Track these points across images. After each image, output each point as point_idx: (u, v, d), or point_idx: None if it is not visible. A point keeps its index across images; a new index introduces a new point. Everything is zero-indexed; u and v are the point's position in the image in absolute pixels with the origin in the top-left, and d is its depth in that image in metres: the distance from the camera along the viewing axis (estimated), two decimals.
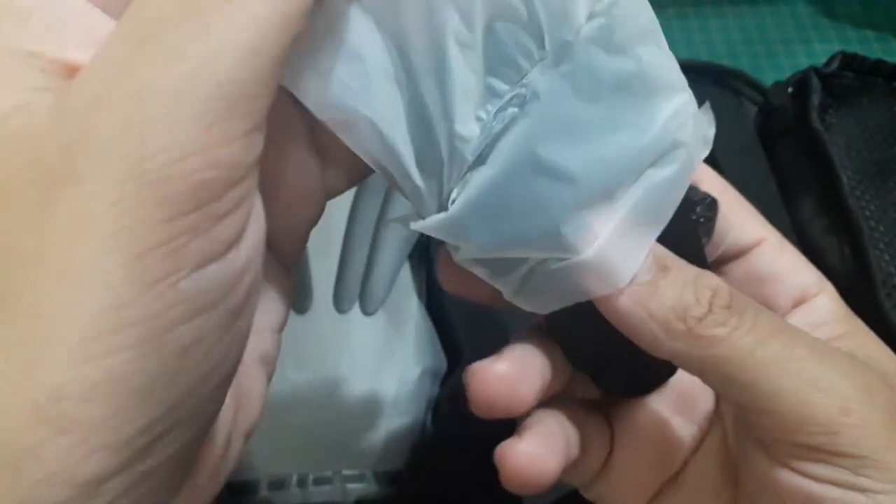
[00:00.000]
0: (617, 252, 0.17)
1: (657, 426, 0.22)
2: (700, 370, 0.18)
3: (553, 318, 0.19)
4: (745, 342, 0.17)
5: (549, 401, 0.21)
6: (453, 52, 0.15)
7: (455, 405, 0.33)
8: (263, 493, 0.31)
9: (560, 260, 0.17)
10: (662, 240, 0.18)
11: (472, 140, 0.16)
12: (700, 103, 0.19)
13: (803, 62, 0.51)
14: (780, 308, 0.21)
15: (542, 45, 0.16)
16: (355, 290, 0.34)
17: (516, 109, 0.16)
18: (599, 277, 0.17)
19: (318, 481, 0.32)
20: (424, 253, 0.37)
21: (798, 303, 0.21)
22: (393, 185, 0.17)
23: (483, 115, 0.16)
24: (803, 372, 0.17)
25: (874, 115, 0.42)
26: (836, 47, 0.48)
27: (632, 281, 0.17)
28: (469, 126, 0.16)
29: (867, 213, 0.38)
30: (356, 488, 0.32)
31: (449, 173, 0.16)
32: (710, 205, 0.20)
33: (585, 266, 0.17)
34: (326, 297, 0.34)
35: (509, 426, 0.33)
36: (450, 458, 0.32)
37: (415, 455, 0.32)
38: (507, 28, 0.15)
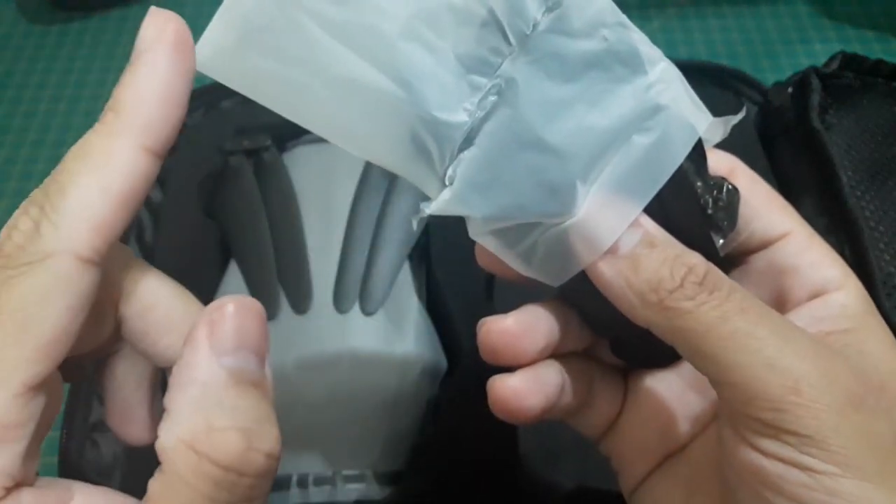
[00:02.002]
0: (600, 216, 0.19)
1: (667, 397, 0.23)
2: (672, 340, 0.19)
3: (565, 289, 0.21)
4: (711, 317, 0.18)
5: (565, 355, 0.23)
6: (419, 56, 0.18)
7: (455, 405, 0.33)
8: None
9: (554, 226, 0.19)
10: (668, 221, 0.20)
11: (459, 126, 0.18)
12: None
13: (803, 62, 0.51)
14: (795, 300, 0.21)
15: (508, 41, 0.18)
16: (355, 290, 0.34)
17: (495, 98, 0.18)
18: (585, 242, 0.19)
19: (319, 481, 0.32)
20: (424, 253, 0.37)
21: (814, 296, 0.21)
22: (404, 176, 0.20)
23: (469, 106, 0.18)
24: (761, 350, 0.18)
25: (874, 115, 0.42)
26: (836, 47, 0.48)
27: (617, 250, 0.19)
28: (455, 115, 0.18)
29: (867, 213, 0.38)
30: (356, 488, 0.32)
31: (441, 156, 0.18)
32: (730, 192, 0.21)
33: (573, 230, 0.19)
34: (326, 296, 0.34)
35: (507, 426, 0.33)
36: (450, 458, 0.32)
37: (415, 455, 0.32)
38: (471, 32, 0.18)
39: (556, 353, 0.23)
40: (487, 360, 0.22)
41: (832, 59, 0.43)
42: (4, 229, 0.17)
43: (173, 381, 0.16)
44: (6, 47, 0.56)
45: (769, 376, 0.17)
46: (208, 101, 0.45)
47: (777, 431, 0.17)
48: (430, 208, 0.19)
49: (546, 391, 0.22)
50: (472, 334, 0.34)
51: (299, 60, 0.18)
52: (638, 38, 0.19)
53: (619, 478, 0.24)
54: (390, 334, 0.33)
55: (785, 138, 0.42)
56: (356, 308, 0.34)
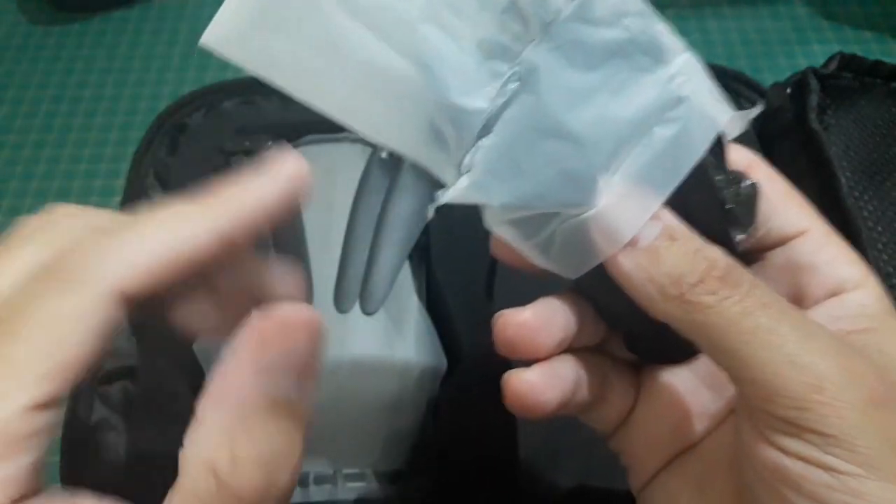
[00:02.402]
0: (621, 208, 0.19)
1: (681, 393, 0.23)
2: (691, 334, 0.19)
3: (581, 282, 0.20)
4: (732, 312, 0.18)
5: (579, 349, 0.22)
6: (440, 41, 0.17)
7: (455, 405, 0.33)
8: None
9: (573, 217, 0.19)
10: (686, 214, 0.19)
11: (478, 112, 0.18)
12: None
13: (802, 63, 0.52)
14: (812, 298, 0.21)
15: (530, 28, 0.18)
16: (356, 290, 0.34)
17: (516, 84, 0.18)
18: (605, 234, 0.19)
19: (319, 480, 0.32)
20: (424, 253, 0.37)
21: (831, 295, 0.21)
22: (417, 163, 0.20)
23: (489, 93, 0.18)
24: (783, 346, 0.17)
25: (872, 116, 0.42)
26: (835, 48, 0.48)
27: (637, 243, 0.19)
28: (475, 101, 0.18)
29: (865, 214, 0.38)
30: (357, 487, 0.32)
31: (459, 143, 0.18)
32: (750, 188, 0.20)
33: (592, 222, 0.19)
34: (327, 296, 0.34)
35: (507, 425, 0.33)
36: (450, 457, 0.32)
37: (415, 454, 0.33)
38: (493, 18, 0.18)
39: (571, 348, 0.22)
40: (503, 354, 0.21)
41: (830, 59, 0.43)
42: (69, 252, 0.17)
43: (209, 385, 0.16)
44: (7, 48, 0.56)
45: (791, 373, 0.17)
46: (209, 101, 0.45)
47: (799, 430, 0.17)
48: (447, 196, 0.19)
49: (562, 386, 0.21)
50: (472, 334, 0.34)
51: (316, 41, 0.17)
52: (660, 29, 0.19)
53: (628, 475, 0.24)
54: (390, 334, 0.34)
55: (783, 139, 0.42)
56: (356, 308, 0.34)
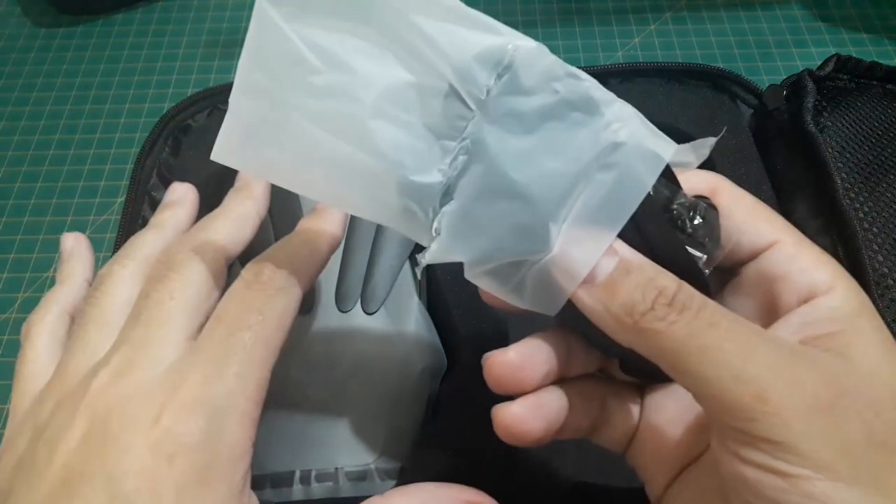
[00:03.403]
0: (574, 249, 0.20)
1: (680, 408, 0.24)
2: (653, 359, 0.20)
3: (561, 317, 0.22)
4: (681, 334, 0.19)
5: (578, 377, 0.24)
6: (390, 132, 0.20)
7: (455, 402, 0.33)
8: (267, 489, 0.32)
9: (536, 262, 0.21)
10: (649, 245, 0.21)
11: (435, 185, 0.21)
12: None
13: (798, 65, 0.52)
14: (785, 306, 0.22)
15: (468, 107, 0.20)
16: (357, 290, 0.35)
17: (465, 156, 0.20)
18: (564, 273, 0.20)
19: (321, 477, 0.32)
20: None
21: (804, 301, 0.21)
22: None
23: (442, 167, 0.21)
24: (729, 362, 0.18)
25: (868, 117, 0.42)
26: (831, 50, 0.49)
27: (595, 278, 0.20)
28: (431, 177, 0.21)
29: (861, 215, 0.38)
30: (358, 484, 0.32)
31: (425, 213, 0.21)
32: (706, 210, 0.22)
33: (551, 264, 0.20)
34: (329, 296, 0.35)
35: None
36: (450, 454, 0.33)
37: (416, 451, 0.33)
38: (437, 103, 0.20)
39: (566, 377, 0.24)
40: (494, 391, 0.23)
41: (827, 61, 0.43)
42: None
43: None
44: (11, 50, 0.57)
45: (737, 387, 0.18)
46: (213, 102, 0.45)
47: (752, 439, 0.18)
48: (425, 259, 0.21)
49: (547, 415, 0.23)
50: (472, 333, 0.35)
51: (293, 147, 0.21)
52: (589, 85, 0.20)
53: (645, 488, 0.25)
54: (391, 333, 0.34)
55: (780, 140, 0.42)
56: (358, 308, 0.34)
